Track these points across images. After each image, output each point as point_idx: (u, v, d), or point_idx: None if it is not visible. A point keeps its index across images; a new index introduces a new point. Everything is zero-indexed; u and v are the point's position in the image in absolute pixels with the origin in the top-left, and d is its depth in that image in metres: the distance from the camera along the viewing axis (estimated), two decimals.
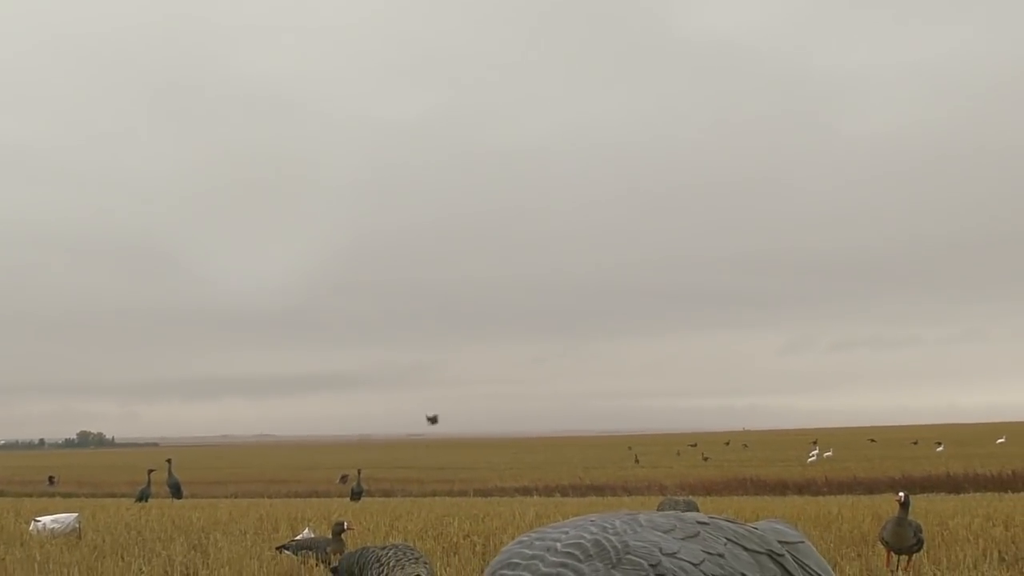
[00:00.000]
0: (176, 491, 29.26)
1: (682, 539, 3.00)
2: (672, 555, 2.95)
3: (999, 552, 11.26)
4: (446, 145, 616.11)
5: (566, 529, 3.02)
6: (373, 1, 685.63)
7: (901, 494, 10.58)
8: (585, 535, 2.95)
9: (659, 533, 2.99)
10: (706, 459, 59.62)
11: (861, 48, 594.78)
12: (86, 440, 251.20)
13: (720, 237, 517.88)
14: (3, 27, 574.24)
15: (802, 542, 3.38)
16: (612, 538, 2.93)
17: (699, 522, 3.11)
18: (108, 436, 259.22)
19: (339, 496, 35.81)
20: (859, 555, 11.41)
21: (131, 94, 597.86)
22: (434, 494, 39.14)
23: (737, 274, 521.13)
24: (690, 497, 12.50)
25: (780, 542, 3.28)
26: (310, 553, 11.15)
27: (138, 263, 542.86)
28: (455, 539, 13.60)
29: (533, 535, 3.07)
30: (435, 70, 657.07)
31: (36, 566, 11.40)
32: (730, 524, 3.18)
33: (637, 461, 59.46)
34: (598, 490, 38.33)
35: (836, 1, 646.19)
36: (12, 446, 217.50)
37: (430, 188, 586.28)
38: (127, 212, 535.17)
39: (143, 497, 27.67)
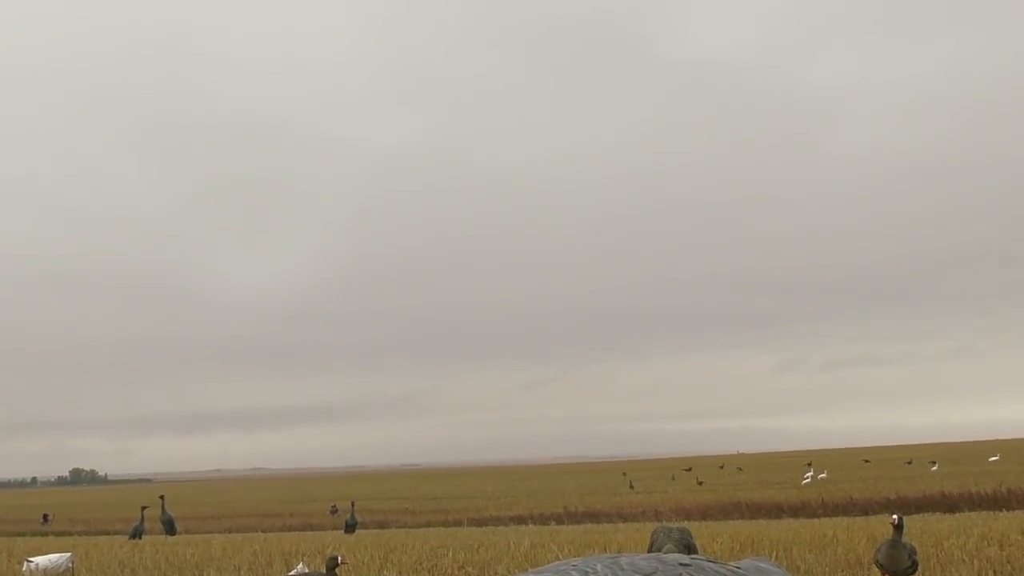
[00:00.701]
0: (170, 527, 29.10)
1: None
2: None
3: (994, 572, 11.27)
4: (435, 171, 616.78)
5: (547, 575, 3.01)
6: (362, 30, 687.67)
7: (895, 516, 10.59)
8: None
9: None
10: (701, 483, 59.47)
11: (848, 66, 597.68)
12: (79, 477, 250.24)
13: (710, 258, 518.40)
14: None
15: None
16: None
17: (681, 564, 3.10)
18: (101, 473, 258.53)
19: (333, 529, 35.67)
20: None
21: (119, 127, 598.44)
22: (429, 524, 38.99)
23: (727, 295, 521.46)
24: (684, 524, 12.47)
25: None
26: None
27: (127, 297, 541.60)
28: (450, 571, 13.57)
29: None
30: (424, 97, 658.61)
31: None
32: (712, 565, 3.17)
33: (632, 487, 59.28)
34: (593, 517, 38.19)
35: (823, 20, 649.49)
36: (4, 485, 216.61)
37: (419, 215, 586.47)
38: (115, 246, 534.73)
39: (137, 534, 27.54)
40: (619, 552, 15.14)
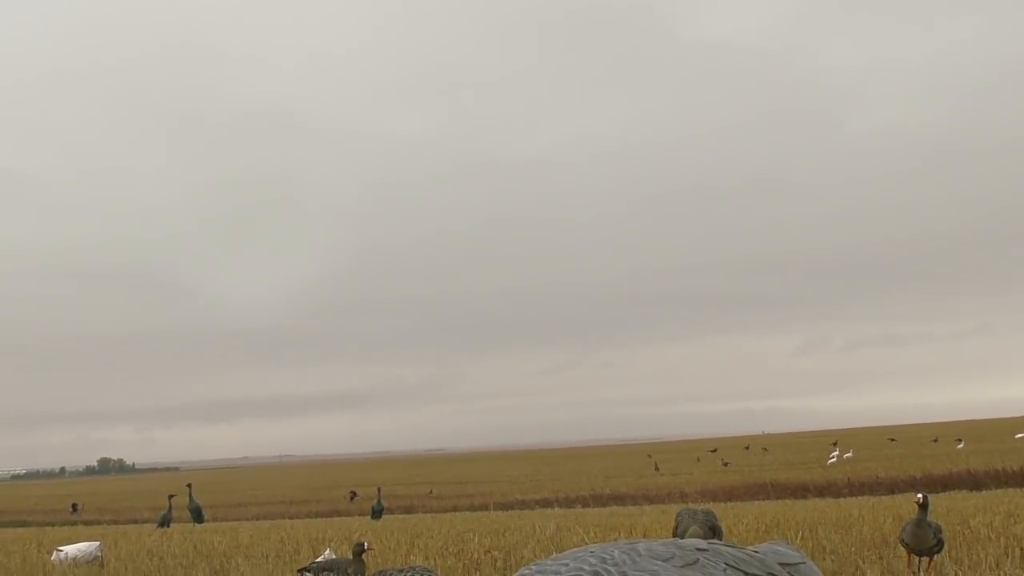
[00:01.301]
0: (197, 515, 29.30)
1: (681, 567, 3.00)
2: None
3: (1021, 550, 11.22)
4: (451, 158, 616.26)
5: (566, 561, 3.03)
6: (372, 19, 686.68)
7: (920, 495, 10.55)
8: (585, 567, 2.95)
9: (658, 562, 3.00)
10: (726, 464, 59.42)
11: (863, 46, 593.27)
12: (107, 466, 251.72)
13: (729, 240, 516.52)
14: (8, 58, 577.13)
15: (804, 563, 3.37)
16: (611, 569, 2.94)
17: (698, 548, 3.11)
18: (128, 462, 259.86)
19: (360, 515, 35.82)
20: (880, 557, 11.40)
21: (133, 122, 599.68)
22: (455, 509, 39.11)
23: (747, 276, 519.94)
24: (708, 507, 12.46)
25: (781, 564, 3.27)
26: (331, 575, 11.17)
27: (149, 289, 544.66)
28: (476, 555, 13.60)
29: (534, 567, 3.07)
30: (437, 84, 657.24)
31: None
32: (730, 549, 3.18)
33: (657, 469, 59.29)
34: (619, 499, 38.25)
35: (841, 2, 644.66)
36: (33, 475, 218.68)
37: (437, 202, 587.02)
38: (138, 239, 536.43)
39: (164, 522, 27.74)
40: (644, 535, 15.16)
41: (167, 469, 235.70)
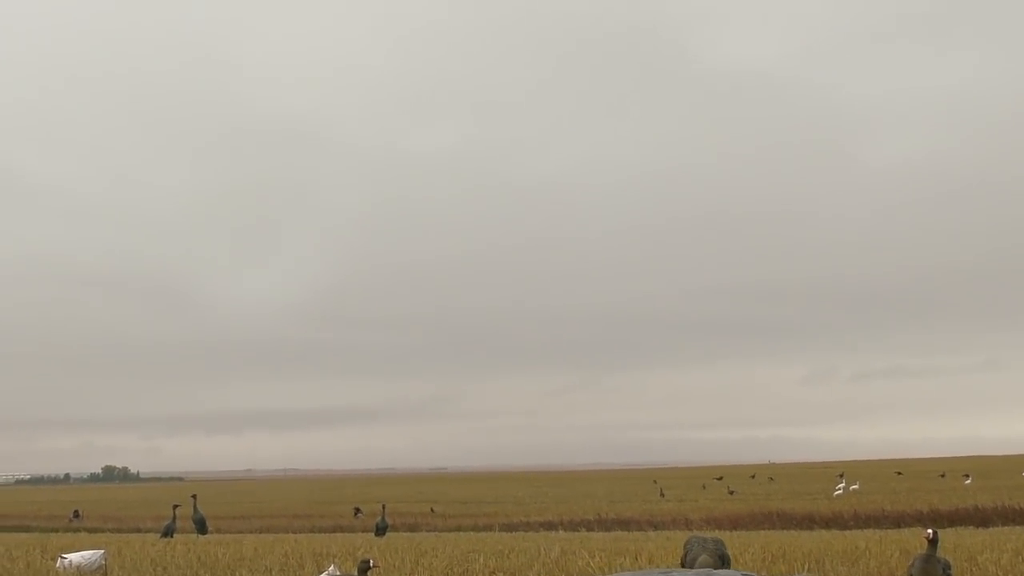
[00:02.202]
0: (201, 526, 29.23)
1: None
2: None
3: None
4: (466, 178, 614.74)
5: None
6: (387, 39, 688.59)
7: (929, 531, 10.51)
8: None
9: None
10: (732, 492, 59.20)
11: (881, 76, 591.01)
12: (111, 474, 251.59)
13: (739, 267, 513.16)
14: (29, 69, 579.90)
15: None
16: None
17: None
18: (133, 470, 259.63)
19: (364, 531, 35.75)
20: None
21: (150, 132, 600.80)
22: (459, 528, 39.01)
23: (757, 304, 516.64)
24: (717, 535, 12.40)
25: None
26: None
27: (160, 298, 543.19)
28: None
29: None
30: (455, 103, 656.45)
31: None
32: None
33: (662, 495, 59.07)
34: (624, 524, 38.11)
35: (855, 30, 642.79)
36: (38, 480, 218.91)
37: (450, 220, 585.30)
38: (148, 248, 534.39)
39: (168, 532, 27.70)
40: (650, 562, 15.09)
41: (171, 479, 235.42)
